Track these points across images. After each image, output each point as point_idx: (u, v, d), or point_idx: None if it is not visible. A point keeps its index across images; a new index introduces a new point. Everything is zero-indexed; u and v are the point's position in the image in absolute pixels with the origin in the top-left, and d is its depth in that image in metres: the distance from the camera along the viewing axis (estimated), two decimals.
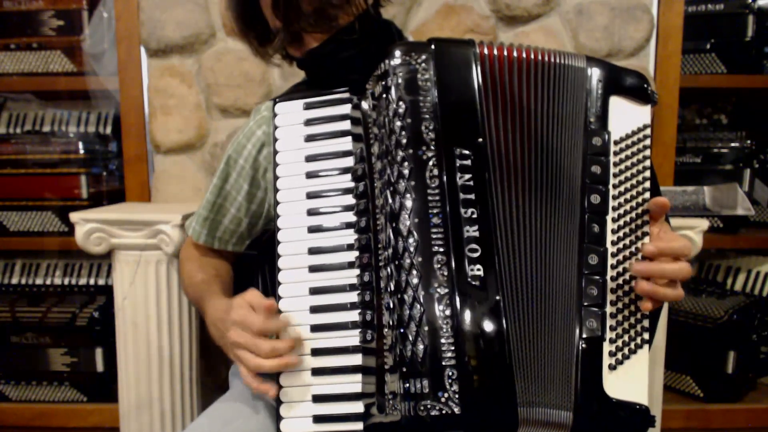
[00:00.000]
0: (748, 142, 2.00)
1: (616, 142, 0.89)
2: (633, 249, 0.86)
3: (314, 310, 0.90)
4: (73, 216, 1.55)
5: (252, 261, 1.24)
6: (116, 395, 1.64)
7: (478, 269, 0.80)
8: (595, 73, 0.92)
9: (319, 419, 0.87)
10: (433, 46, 0.88)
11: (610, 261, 0.86)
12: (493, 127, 0.87)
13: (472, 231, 0.81)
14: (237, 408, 1.03)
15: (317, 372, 0.88)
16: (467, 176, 0.83)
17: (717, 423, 1.91)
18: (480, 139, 0.85)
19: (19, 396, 1.96)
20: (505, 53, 0.90)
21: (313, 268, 0.91)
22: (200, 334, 1.70)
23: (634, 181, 0.88)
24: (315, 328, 0.89)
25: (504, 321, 0.80)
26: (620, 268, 0.86)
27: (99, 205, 1.92)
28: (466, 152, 0.84)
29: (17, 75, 1.96)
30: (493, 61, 0.89)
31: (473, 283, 0.79)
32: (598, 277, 0.85)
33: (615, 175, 0.88)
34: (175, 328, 1.59)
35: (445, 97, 0.86)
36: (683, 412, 1.90)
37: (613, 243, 0.86)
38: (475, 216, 0.82)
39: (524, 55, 0.90)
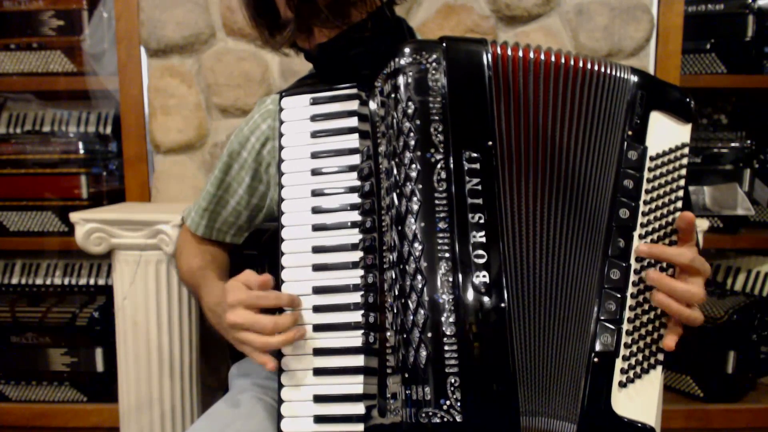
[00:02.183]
0: (748, 142, 2.00)
1: (651, 158, 0.87)
2: (658, 267, 0.84)
3: (317, 309, 0.89)
4: (73, 216, 1.55)
5: (252, 261, 1.23)
6: (116, 395, 1.64)
7: (484, 276, 0.79)
8: (638, 85, 0.90)
9: (319, 419, 0.87)
10: (444, 45, 0.87)
11: (632, 278, 0.84)
12: (504, 129, 0.85)
13: (479, 237, 0.80)
14: (237, 409, 1.03)
15: (319, 372, 0.88)
16: (475, 180, 0.82)
17: (717, 423, 1.91)
18: (489, 142, 0.84)
19: (19, 396, 1.96)
20: (521, 54, 0.88)
21: (317, 267, 0.91)
22: (200, 334, 1.70)
23: (666, 200, 0.86)
24: (317, 328, 0.89)
25: (509, 329, 0.79)
26: (641, 286, 0.84)
27: (99, 205, 1.92)
28: (475, 155, 0.83)
29: (17, 75, 1.95)
30: (506, 62, 0.87)
31: (479, 289, 0.78)
32: (617, 293, 0.83)
33: (647, 192, 0.86)
34: (175, 328, 1.59)
35: (455, 98, 0.84)
36: (683, 412, 1.90)
37: (637, 260, 0.84)
38: (482, 221, 0.80)
39: (543, 57, 0.88)
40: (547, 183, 0.86)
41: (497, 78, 0.87)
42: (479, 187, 0.82)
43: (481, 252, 0.80)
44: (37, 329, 1.92)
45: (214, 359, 1.91)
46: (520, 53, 0.88)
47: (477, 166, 0.82)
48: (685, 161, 0.88)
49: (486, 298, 0.78)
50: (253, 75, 1.79)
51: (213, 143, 1.83)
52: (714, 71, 1.98)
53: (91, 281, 1.98)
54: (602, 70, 0.90)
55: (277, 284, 0.91)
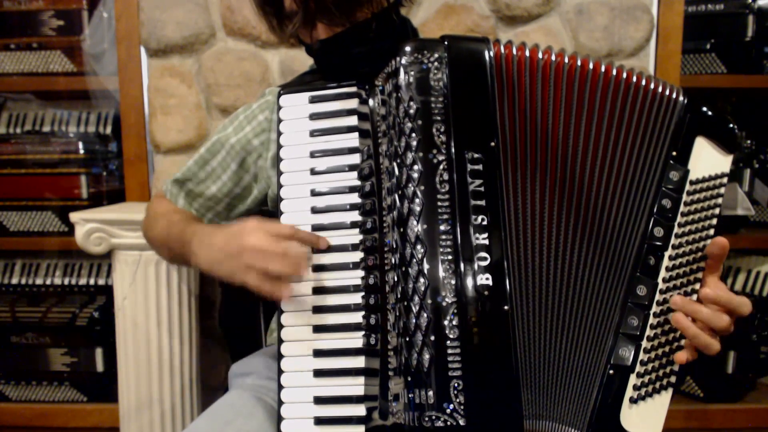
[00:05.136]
0: (748, 142, 2.00)
1: (691, 182, 0.87)
2: (683, 291, 0.84)
3: (317, 310, 0.89)
4: (73, 216, 1.55)
5: None
6: (116, 395, 1.64)
7: (487, 279, 0.78)
8: (687, 108, 0.90)
9: (320, 421, 0.87)
10: (446, 44, 0.86)
11: (657, 297, 0.84)
12: (508, 130, 0.85)
13: (482, 239, 0.79)
14: (237, 408, 1.03)
15: (319, 373, 0.88)
16: (478, 181, 0.81)
17: (717, 423, 1.91)
18: (492, 143, 0.83)
19: (19, 396, 1.96)
20: (527, 54, 0.87)
21: (316, 268, 0.90)
22: (200, 334, 1.70)
23: (699, 225, 0.86)
24: (317, 329, 0.89)
25: (512, 332, 0.78)
26: (665, 306, 0.84)
27: (99, 205, 1.92)
28: (478, 156, 0.82)
29: (17, 75, 1.95)
30: (510, 62, 0.87)
31: (482, 292, 0.78)
32: (642, 309, 0.83)
33: (682, 214, 0.86)
34: (175, 328, 1.59)
35: (457, 98, 0.84)
36: (683, 412, 1.90)
37: (664, 280, 0.84)
38: (485, 223, 0.80)
39: (554, 58, 0.88)
40: (557, 187, 0.86)
41: (500, 77, 0.86)
42: (482, 189, 0.81)
43: (484, 254, 0.79)
44: (37, 329, 1.92)
45: (214, 359, 1.91)
46: (527, 53, 0.88)
47: (480, 167, 0.82)
48: (722, 191, 0.88)
49: (489, 301, 0.78)
50: (253, 75, 1.79)
51: None
52: (714, 71, 1.97)
53: (91, 281, 1.98)
54: (639, 82, 0.89)
55: None
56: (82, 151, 1.93)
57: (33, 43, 1.93)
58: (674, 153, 0.88)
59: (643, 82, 0.90)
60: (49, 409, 1.92)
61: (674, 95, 0.90)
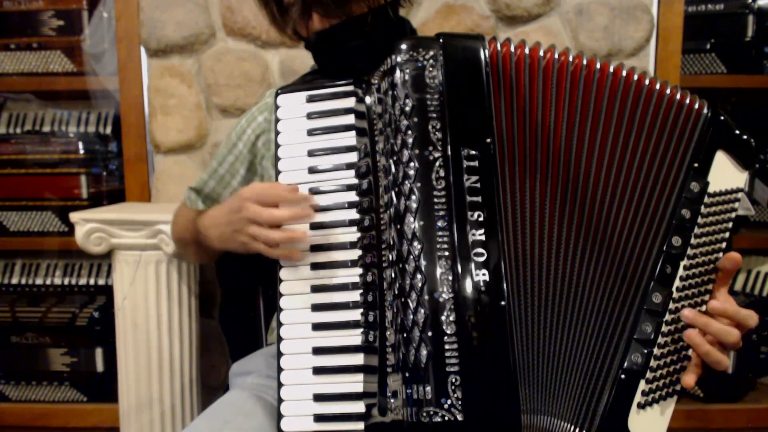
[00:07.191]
0: None
1: (709, 195, 0.87)
2: (693, 302, 0.85)
3: (316, 308, 0.89)
4: (73, 216, 1.55)
5: (250, 260, 1.23)
6: (116, 395, 1.65)
7: (484, 274, 0.78)
8: (710, 121, 0.90)
9: (319, 418, 0.87)
10: (441, 41, 0.86)
11: (670, 305, 0.84)
12: (505, 127, 0.85)
13: (478, 235, 0.80)
14: (237, 407, 1.03)
15: (318, 371, 0.88)
16: (474, 178, 0.81)
17: (717, 423, 1.91)
18: (488, 140, 0.83)
19: (19, 396, 1.96)
20: (527, 52, 0.87)
21: (315, 266, 0.90)
22: (200, 334, 1.70)
23: (713, 238, 0.87)
24: (316, 327, 0.89)
25: (509, 327, 0.78)
26: (676, 315, 0.84)
27: (99, 205, 1.92)
28: (474, 152, 0.82)
29: (17, 75, 1.95)
30: (508, 59, 0.87)
31: (479, 287, 0.78)
32: (655, 317, 0.83)
33: (698, 226, 0.86)
34: (175, 328, 1.59)
35: (452, 95, 0.84)
36: (683, 412, 1.90)
37: (678, 289, 0.84)
38: (481, 219, 0.80)
39: (557, 57, 0.88)
40: (560, 186, 0.86)
41: (496, 75, 0.86)
42: (478, 185, 0.81)
43: (480, 250, 0.79)
44: (37, 329, 1.92)
45: (214, 359, 1.91)
46: (527, 51, 0.88)
47: (476, 163, 0.82)
48: (736, 205, 0.89)
49: (486, 296, 0.78)
50: (253, 75, 1.80)
51: (213, 143, 1.84)
52: (714, 71, 1.97)
53: (91, 281, 1.98)
54: (654, 86, 0.89)
55: (275, 282, 0.92)
56: (82, 151, 1.93)
57: (33, 43, 1.93)
58: (696, 165, 0.88)
59: (658, 86, 0.89)
60: (49, 409, 1.93)
61: (696, 106, 0.90)
